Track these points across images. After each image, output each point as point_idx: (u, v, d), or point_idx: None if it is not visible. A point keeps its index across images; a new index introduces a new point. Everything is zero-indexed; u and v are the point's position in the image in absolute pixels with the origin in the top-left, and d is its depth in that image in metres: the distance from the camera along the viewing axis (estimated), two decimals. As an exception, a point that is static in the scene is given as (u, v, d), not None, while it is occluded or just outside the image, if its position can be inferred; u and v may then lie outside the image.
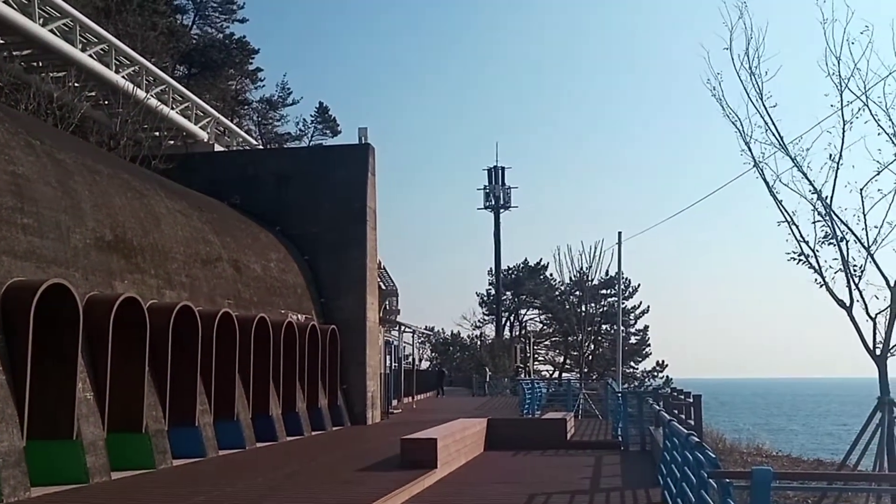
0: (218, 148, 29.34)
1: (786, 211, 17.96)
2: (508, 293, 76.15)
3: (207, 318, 15.90)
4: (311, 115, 54.99)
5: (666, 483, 11.07)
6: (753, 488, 5.99)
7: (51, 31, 21.16)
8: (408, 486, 11.80)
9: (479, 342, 72.40)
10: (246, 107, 50.41)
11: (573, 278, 53.91)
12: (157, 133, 26.44)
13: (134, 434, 13.33)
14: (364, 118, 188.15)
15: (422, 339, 58.00)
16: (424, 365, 63.57)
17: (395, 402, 32.04)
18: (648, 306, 69.19)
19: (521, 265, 77.16)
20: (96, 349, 12.78)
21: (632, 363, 65.96)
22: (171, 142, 27.55)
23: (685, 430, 8.79)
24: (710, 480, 6.95)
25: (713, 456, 7.03)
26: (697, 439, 7.75)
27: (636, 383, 58.70)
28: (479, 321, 76.29)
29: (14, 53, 21.59)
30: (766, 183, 18.09)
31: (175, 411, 14.60)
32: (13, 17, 19.67)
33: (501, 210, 74.22)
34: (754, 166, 18.31)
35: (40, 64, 22.65)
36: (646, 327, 69.07)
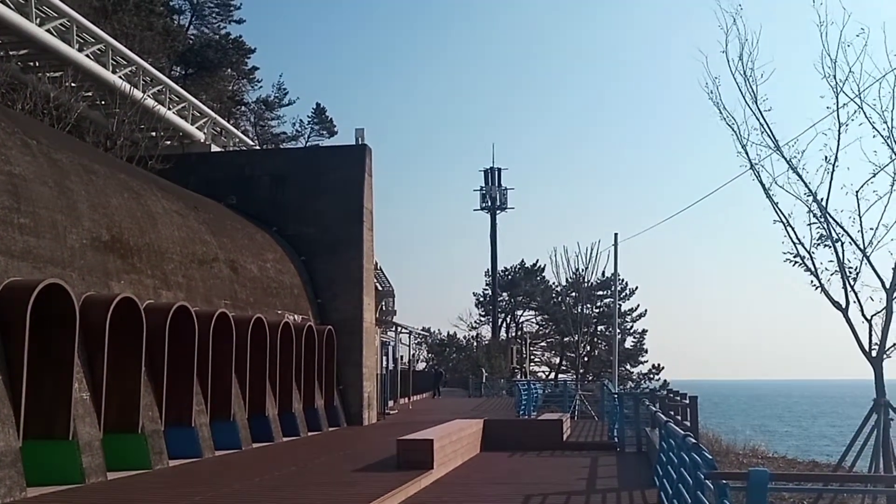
0: (214, 148, 29.31)
1: (782, 213, 18.03)
2: (505, 294, 76.23)
3: (204, 318, 15.87)
4: (308, 116, 55.07)
5: (662, 484, 11.08)
6: (750, 489, 6.01)
7: (48, 30, 21.13)
8: (404, 486, 11.79)
9: (475, 343, 72.47)
10: (242, 107, 50.39)
11: (569, 280, 53.96)
12: (153, 133, 26.42)
13: (130, 434, 13.31)
14: (361, 119, 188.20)
15: (418, 340, 58.06)
16: (421, 366, 63.67)
17: (391, 403, 32.05)
18: (646, 310, 69.32)
19: (518, 266, 77.28)
20: (92, 349, 12.75)
21: (628, 366, 66.01)
22: (168, 142, 27.52)
23: (682, 432, 8.81)
24: (707, 482, 6.97)
25: (710, 457, 7.05)
26: (694, 440, 7.77)
27: (632, 385, 58.74)
28: (475, 322, 76.47)
29: (11, 53, 21.57)
30: (763, 185, 18.17)
31: (171, 412, 14.57)
32: (10, 16, 19.64)
33: (498, 211, 74.39)
34: (750, 168, 18.38)
35: (37, 64, 22.61)
36: (643, 331, 69.17)
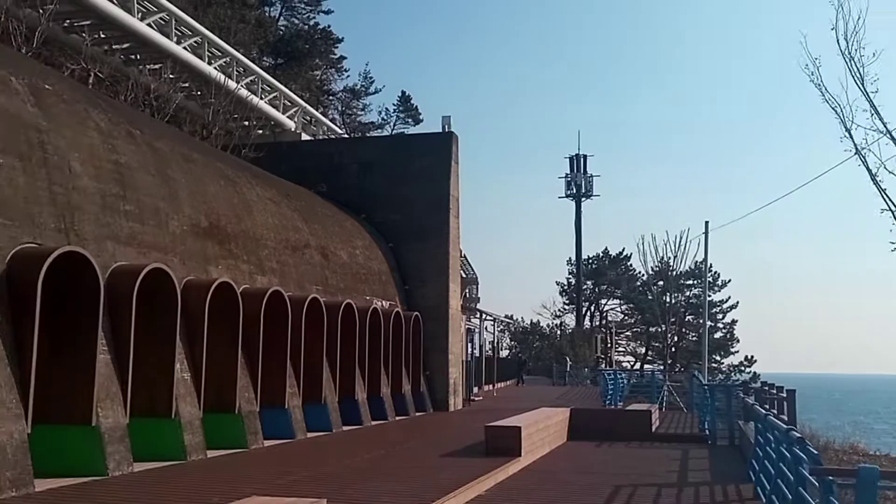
0: (304, 137, 29.92)
1: (889, 199, 17.24)
2: (589, 283, 75.50)
3: (297, 303, 16.25)
4: (394, 104, 55.54)
5: (759, 479, 10.80)
6: (859, 487, 5.80)
7: (148, 24, 21.94)
8: (493, 472, 11.85)
9: (558, 331, 72.08)
10: (330, 97, 51.20)
11: (655, 268, 52.83)
12: (246, 122, 27.14)
13: (228, 414, 13.76)
14: (445, 105, 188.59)
15: (501, 327, 58.04)
16: (503, 353, 63.73)
17: (476, 390, 32.18)
18: (738, 301, 67.63)
19: (602, 254, 76.36)
20: (193, 332, 13.22)
21: (717, 357, 64.50)
22: (260, 131, 28.22)
23: (784, 425, 8.55)
24: (812, 478, 6.75)
25: (815, 452, 6.83)
26: (799, 434, 7.53)
27: (721, 377, 57.33)
28: (559, 310, 76.06)
29: (114, 47, 22.46)
30: (869, 170, 17.43)
31: (266, 393, 14.99)
32: (114, 12, 20.48)
33: (583, 199, 73.60)
34: (856, 153, 17.64)
35: (138, 57, 23.49)
36: (733, 321, 67.49)
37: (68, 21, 20.72)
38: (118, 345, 11.47)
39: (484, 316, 37.77)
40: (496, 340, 50.12)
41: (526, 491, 11.31)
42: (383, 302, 23.06)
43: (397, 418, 21.21)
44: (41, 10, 18.81)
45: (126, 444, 11.14)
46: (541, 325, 74.93)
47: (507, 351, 67.79)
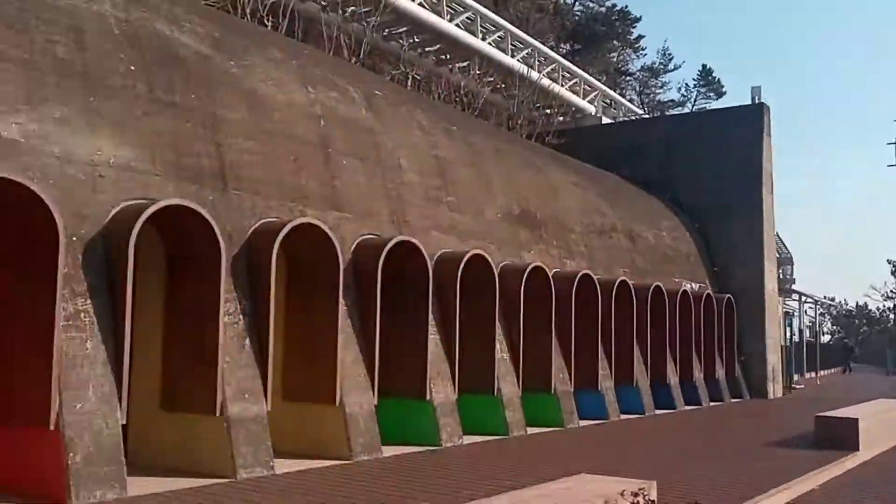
0: (605, 120, 29.91)
1: None
2: (929, 260, 66.76)
3: (606, 286, 16.36)
4: (694, 79, 53.47)
5: None
6: None
7: (457, 25, 23.32)
8: (827, 466, 11.03)
9: (891, 315, 64.74)
10: (627, 77, 50.54)
11: None
12: (548, 111, 27.75)
13: (544, 394, 14.26)
14: (751, 76, 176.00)
15: (821, 310, 53.45)
16: (824, 339, 58.67)
17: (796, 377, 30.06)
18: None
19: (945, 228, 67.03)
20: (509, 314, 13.86)
21: None
22: (561, 118, 28.71)
23: None
24: None
25: None
26: None
27: None
28: (891, 291, 68.27)
29: (427, 49, 24.20)
30: None
31: (579, 375, 15.30)
32: (427, 17, 22.09)
33: (918, 165, 65.09)
34: None
35: (448, 56, 25.07)
36: None
37: (387, 30, 22.71)
38: (445, 326, 12.40)
39: (803, 298, 35.09)
40: (816, 324, 46.39)
41: (868, 488, 10.36)
42: (692, 284, 22.36)
43: (711, 404, 20.50)
44: (365, 23, 20.81)
45: (455, 417, 12.02)
46: (868, 307, 67.92)
47: (829, 336, 62.41)
